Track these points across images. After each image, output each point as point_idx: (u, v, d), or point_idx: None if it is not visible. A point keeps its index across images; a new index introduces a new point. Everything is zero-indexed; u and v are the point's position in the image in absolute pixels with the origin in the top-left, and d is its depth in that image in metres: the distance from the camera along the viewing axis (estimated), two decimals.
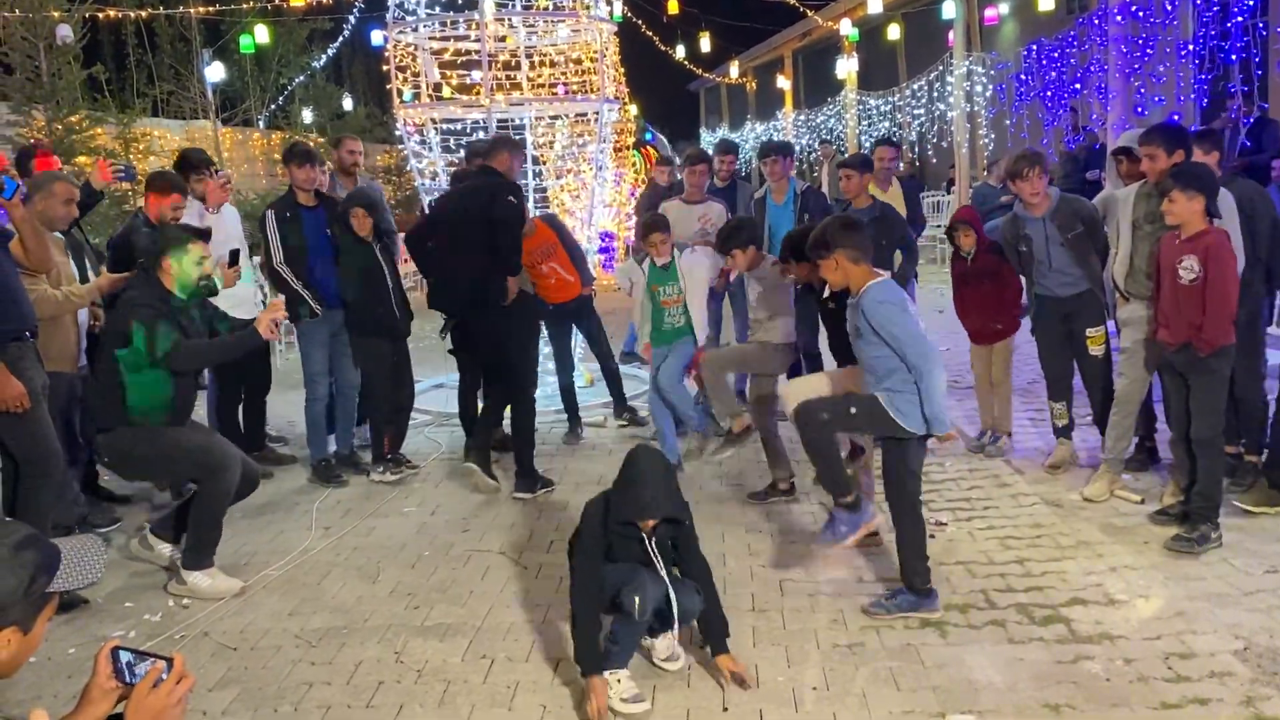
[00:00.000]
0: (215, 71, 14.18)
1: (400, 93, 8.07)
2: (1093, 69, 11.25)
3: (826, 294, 4.45)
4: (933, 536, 4.82)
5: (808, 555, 4.67)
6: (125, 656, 1.85)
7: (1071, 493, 5.28)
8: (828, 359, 5.38)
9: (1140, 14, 9.51)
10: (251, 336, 4.57)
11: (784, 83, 24.84)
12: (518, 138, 8.33)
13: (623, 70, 16.52)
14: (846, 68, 19.39)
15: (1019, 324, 5.96)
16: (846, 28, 18.04)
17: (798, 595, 4.28)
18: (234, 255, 5.33)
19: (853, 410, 3.92)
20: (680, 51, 22.27)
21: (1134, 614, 3.91)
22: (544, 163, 10.03)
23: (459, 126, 8.25)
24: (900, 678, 3.54)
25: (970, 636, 3.81)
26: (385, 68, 8.00)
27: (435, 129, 8.19)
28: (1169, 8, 9.50)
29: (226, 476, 4.52)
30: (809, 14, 20.02)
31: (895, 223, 6.14)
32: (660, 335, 5.86)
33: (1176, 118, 9.34)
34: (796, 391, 4.42)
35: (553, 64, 9.48)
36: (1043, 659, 3.61)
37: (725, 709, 3.40)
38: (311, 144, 6.85)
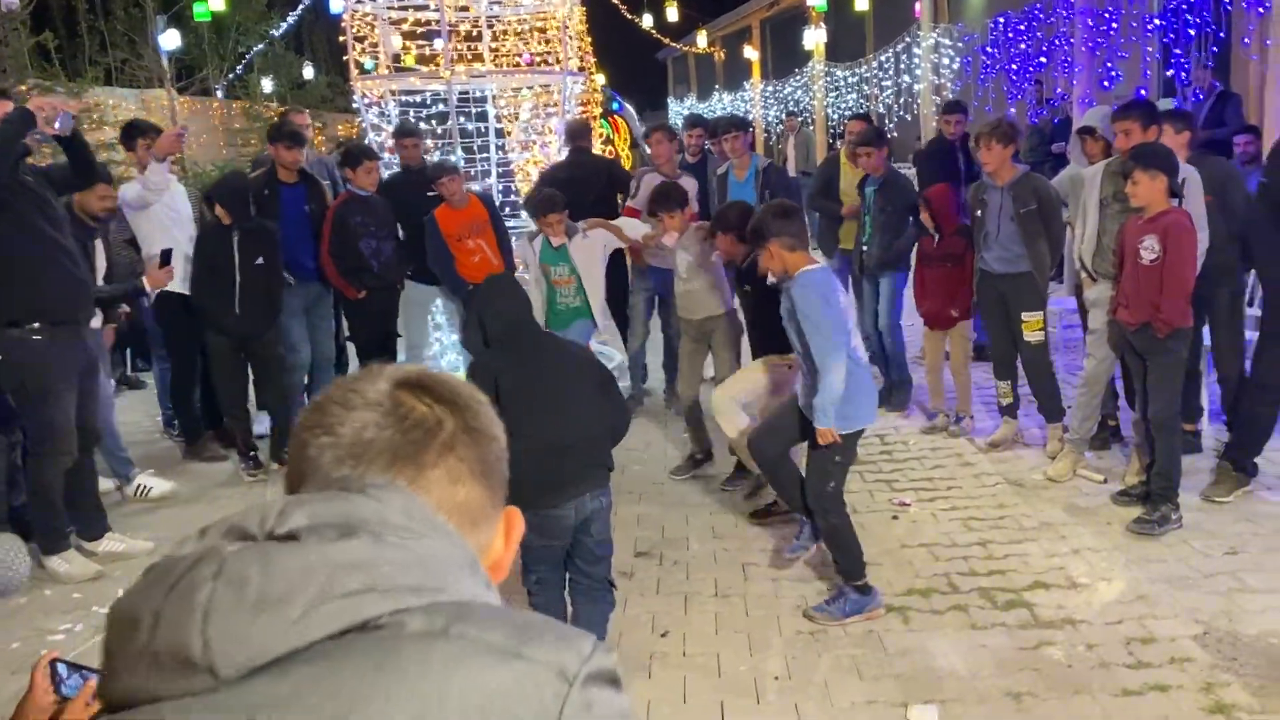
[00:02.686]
0: (170, 39, 13.77)
1: (359, 64, 7.88)
2: (1058, 42, 11.24)
3: (751, 277, 4.55)
4: (895, 518, 4.83)
5: (772, 538, 4.63)
6: (62, 669, 1.75)
7: (1034, 472, 5.28)
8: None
9: None
10: (21, 115, 4.14)
11: (752, 53, 24.64)
12: (479, 110, 8.19)
13: (589, 40, 16.29)
14: (814, 38, 19.25)
15: (972, 312, 5.90)
16: None
17: (761, 580, 4.25)
18: (166, 255, 5.18)
19: (836, 459, 3.92)
20: (647, 20, 22.00)
21: (1096, 598, 3.91)
22: (508, 135, 9.86)
23: (419, 99, 8.07)
24: (863, 666, 3.52)
25: (933, 622, 3.80)
26: (342, 38, 7.80)
27: (395, 100, 8.01)
28: None
29: (49, 464, 4.41)
30: None
31: (904, 189, 6.27)
32: (555, 317, 5.76)
33: (1144, 92, 9.33)
34: (728, 407, 4.77)
35: (518, 34, 9.31)
36: (1005, 645, 3.60)
37: (685, 701, 3.36)
38: (297, 123, 6.65)
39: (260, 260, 5.61)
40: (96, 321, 4.92)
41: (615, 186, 7.20)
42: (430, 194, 6.31)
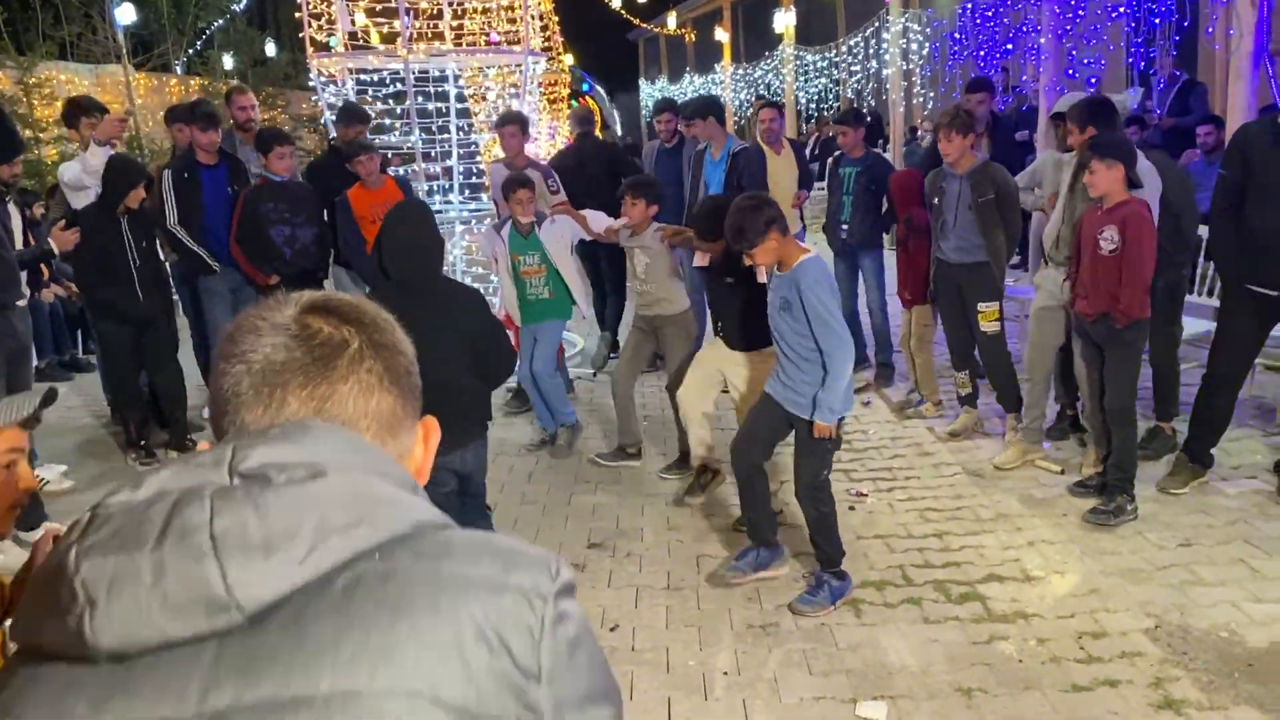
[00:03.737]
0: (126, 13, 13.44)
1: (316, 41, 7.70)
2: (1025, 29, 11.21)
3: (734, 269, 4.39)
4: (852, 508, 4.78)
5: (726, 529, 4.57)
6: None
7: (993, 462, 5.25)
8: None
9: None
10: None
11: (723, 35, 24.49)
12: (440, 89, 8.03)
13: (556, 19, 16.09)
14: (784, 21, 19.16)
15: (926, 298, 5.92)
16: None
17: (715, 572, 4.18)
18: (72, 216, 5.05)
19: (829, 446, 3.86)
20: (616, 0, 21.80)
21: (1049, 591, 3.88)
22: (475, 115, 9.70)
23: (377, 77, 7.92)
24: (813, 661, 3.46)
25: (885, 615, 3.75)
26: (297, 14, 7.62)
27: (352, 79, 7.85)
28: None
29: None
30: None
31: (887, 171, 6.56)
32: (527, 310, 5.64)
33: (1093, 81, 9.32)
34: (691, 400, 4.78)
35: (485, 11, 9.15)
36: (957, 639, 3.56)
37: (632, 698, 3.30)
38: (213, 103, 6.48)
39: (144, 243, 5.45)
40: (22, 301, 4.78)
41: (615, 170, 7.22)
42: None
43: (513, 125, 6.49)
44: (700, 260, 4.79)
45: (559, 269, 5.57)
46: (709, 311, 5.05)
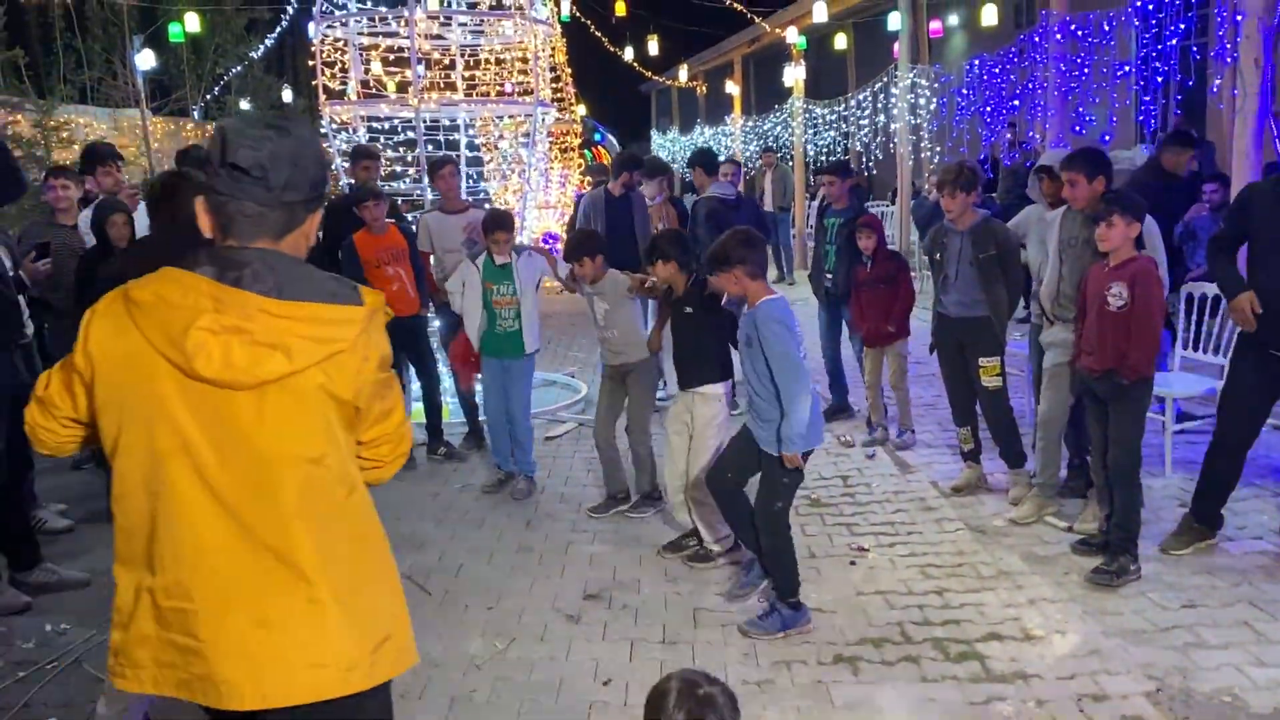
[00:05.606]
0: (145, 59, 13.68)
1: (327, 88, 7.81)
2: (1032, 86, 11.31)
3: (694, 299, 4.72)
4: (853, 563, 4.73)
5: (724, 583, 4.53)
6: None
7: (996, 518, 5.19)
8: None
9: (1079, 33, 9.53)
10: None
11: (733, 88, 24.74)
12: (450, 138, 8.13)
13: (570, 70, 16.31)
14: (794, 75, 19.34)
15: (909, 330, 6.20)
16: (793, 36, 17.98)
17: (711, 626, 4.13)
18: (43, 249, 5.14)
19: (785, 481, 4.05)
20: (629, 54, 22.10)
21: (1049, 651, 3.81)
22: (487, 164, 9.78)
23: (388, 125, 8.01)
24: (808, 719, 3.41)
25: (883, 673, 3.69)
26: (311, 62, 7.74)
27: (364, 126, 7.95)
28: (1106, 28, 9.53)
29: None
30: (756, 20, 19.95)
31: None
32: (494, 340, 5.70)
33: (1108, 139, 9.38)
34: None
35: (499, 63, 9.28)
36: (954, 699, 3.50)
37: None
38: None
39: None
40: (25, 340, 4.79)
41: (632, 215, 7.40)
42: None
43: (449, 166, 6.60)
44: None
45: (521, 300, 5.65)
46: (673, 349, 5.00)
